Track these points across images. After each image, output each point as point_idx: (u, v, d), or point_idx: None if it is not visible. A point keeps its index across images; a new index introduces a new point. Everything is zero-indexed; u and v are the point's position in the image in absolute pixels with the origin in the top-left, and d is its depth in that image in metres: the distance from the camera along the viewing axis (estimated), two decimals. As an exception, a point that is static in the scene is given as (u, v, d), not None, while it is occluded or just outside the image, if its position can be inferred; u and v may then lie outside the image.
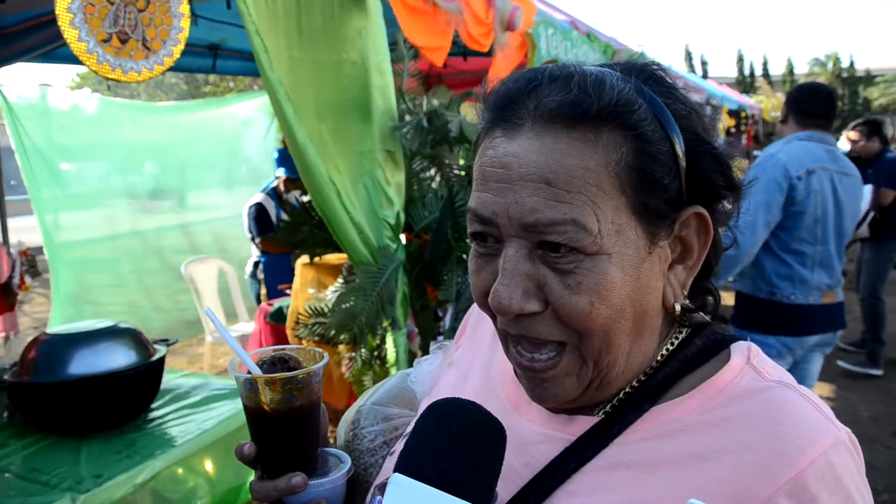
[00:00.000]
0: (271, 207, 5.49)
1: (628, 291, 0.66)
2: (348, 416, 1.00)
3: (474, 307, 1.00)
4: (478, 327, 0.97)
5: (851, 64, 55.64)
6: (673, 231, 0.69)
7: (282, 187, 5.54)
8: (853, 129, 5.76)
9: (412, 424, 0.68)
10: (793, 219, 2.93)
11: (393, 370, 3.12)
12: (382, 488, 0.60)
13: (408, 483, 0.58)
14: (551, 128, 0.65)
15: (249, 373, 0.77)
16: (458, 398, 0.67)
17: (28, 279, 3.17)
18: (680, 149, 0.67)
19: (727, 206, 0.73)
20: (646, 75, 0.70)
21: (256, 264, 5.99)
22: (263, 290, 5.70)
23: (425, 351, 3.40)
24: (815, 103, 3.08)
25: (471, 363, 0.93)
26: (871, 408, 4.74)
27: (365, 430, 0.92)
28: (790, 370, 3.11)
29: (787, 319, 2.99)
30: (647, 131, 0.65)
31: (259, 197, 5.56)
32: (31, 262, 3.21)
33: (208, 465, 2.53)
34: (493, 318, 0.74)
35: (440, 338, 3.46)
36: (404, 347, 3.08)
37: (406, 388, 0.98)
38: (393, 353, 3.09)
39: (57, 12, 1.99)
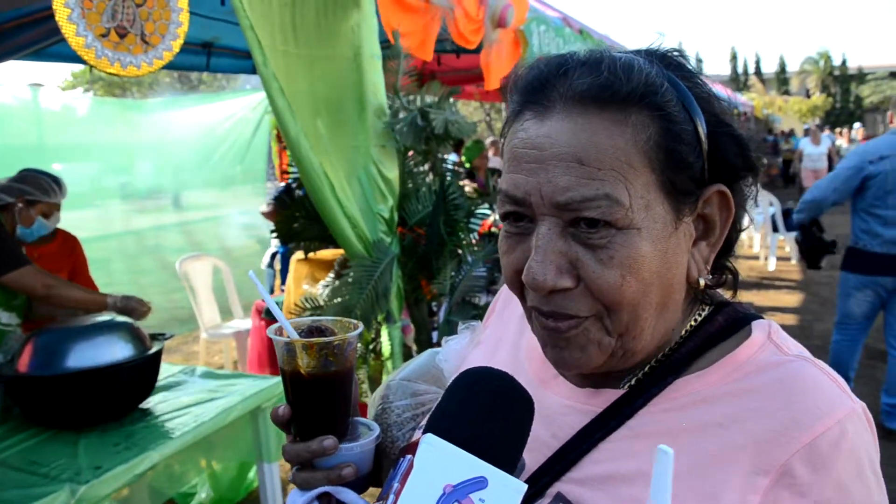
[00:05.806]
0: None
1: (656, 265, 0.69)
2: (379, 390, 1.02)
3: (502, 290, 1.02)
4: (506, 308, 0.99)
5: (844, 62, 55.86)
6: (697, 208, 0.72)
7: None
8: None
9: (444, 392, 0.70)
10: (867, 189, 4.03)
11: (388, 364, 3.14)
12: (409, 449, 0.62)
13: (439, 443, 0.61)
14: (582, 109, 0.68)
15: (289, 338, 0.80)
16: (490, 367, 0.70)
17: None
18: (702, 129, 0.70)
19: (746, 187, 0.76)
20: (668, 61, 0.74)
21: (274, 255, 5.99)
22: (278, 281, 5.69)
23: (420, 345, 3.41)
24: None
25: (498, 341, 0.95)
26: (859, 397, 4.78)
27: (394, 404, 0.95)
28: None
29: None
30: (673, 112, 0.68)
31: (281, 186, 5.68)
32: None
33: (207, 458, 2.54)
34: (521, 296, 0.76)
35: (434, 332, 3.48)
36: (399, 341, 3.10)
37: (434, 365, 1.00)
38: (388, 347, 3.11)
39: (54, 7, 1.99)
